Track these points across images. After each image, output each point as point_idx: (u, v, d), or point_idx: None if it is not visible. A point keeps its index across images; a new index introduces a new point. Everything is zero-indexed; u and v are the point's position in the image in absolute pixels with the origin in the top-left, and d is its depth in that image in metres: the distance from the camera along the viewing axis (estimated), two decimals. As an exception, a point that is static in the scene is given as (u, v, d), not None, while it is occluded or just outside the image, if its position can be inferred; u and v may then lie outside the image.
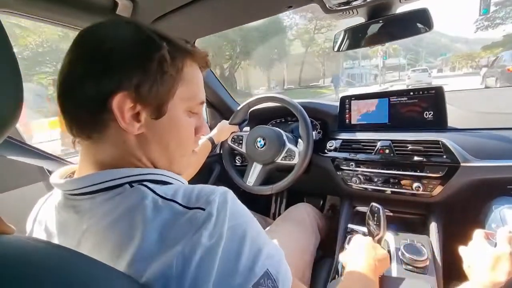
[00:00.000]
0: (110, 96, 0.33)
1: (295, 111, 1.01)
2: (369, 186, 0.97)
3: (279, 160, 1.03)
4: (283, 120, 1.33)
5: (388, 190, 0.93)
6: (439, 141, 0.85)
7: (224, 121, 1.14)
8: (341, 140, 1.06)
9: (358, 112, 1.08)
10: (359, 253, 0.62)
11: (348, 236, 0.90)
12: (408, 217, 0.97)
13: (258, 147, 1.05)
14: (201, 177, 1.26)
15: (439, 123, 0.91)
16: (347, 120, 1.11)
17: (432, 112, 0.92)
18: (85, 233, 0.33)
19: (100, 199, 0.33)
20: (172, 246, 0.28)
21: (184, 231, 0.29)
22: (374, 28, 0.78)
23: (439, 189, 0.84)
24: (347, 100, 1.11)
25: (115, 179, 0.34)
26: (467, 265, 0.56)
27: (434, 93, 0.92)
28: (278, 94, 1.07)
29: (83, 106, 0.34)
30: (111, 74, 0.33)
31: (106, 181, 0.34)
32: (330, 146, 1.07)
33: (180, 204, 0.31)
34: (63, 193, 0.37)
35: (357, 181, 0.99)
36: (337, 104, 1.15)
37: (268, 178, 1.08)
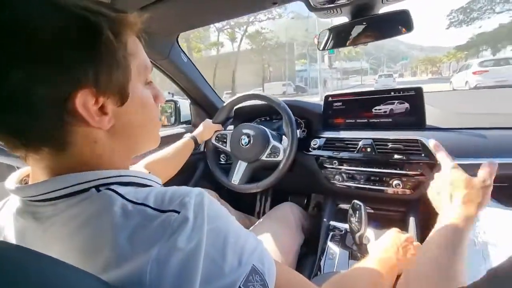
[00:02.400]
0: (69, 97, 0.29)
1: (279, 108, 1.01)
2: (352, 184, 0.99)
3: (264, 158, 1.02)
4: (267, 119, 1.33)
5: (370, 187, 0.95)
6: (417, 140, 0.88)
7: (207, 119, 1.12)
8: (325, 139, 1.07)
9: (341, 111, 1.10)
10: (388, 247, 0.60)
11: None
12: (389, 214, 0.99)
13: (242, 145, 1.04)
14: (185, 175, 1.23)
15: (418, 123, 0.93)
16: (330, 119, 1.12)
17: (411, 112, 0.95)
18: (47, 241, 0.31)
19: (63, 205, 0.31)
20: (144, 252, 0.26)
21: (157, 236, 0.27)
22: (357, 28, 0.78)
23: (417, 186, 0.87)
24: (331, 99, 1.13)
25: (79, 184, 0.31)
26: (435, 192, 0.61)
27: (414, 94, 0.94)
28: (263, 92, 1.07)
29: (35, 115, 0.29)
30: (63, 73, 0.28)
31: (69, 186, 0.31)
32: (314, 145, 1.08)
33: (152, 208, 0.30)
34: (21, 198, 0.34)
35: (340, 179, 1.00)
36: (322, 103, 1.16)
37: (253, 176, 1.07)
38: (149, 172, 0.80)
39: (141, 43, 0.39)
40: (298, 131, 1.01)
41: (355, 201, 0.80)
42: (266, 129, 1.06)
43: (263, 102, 1.07)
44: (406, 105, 0.96)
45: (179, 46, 1.07)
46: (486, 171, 0.55)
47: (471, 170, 0.83)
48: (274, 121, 1.32)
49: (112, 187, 0.32)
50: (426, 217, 0.91)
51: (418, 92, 0.94)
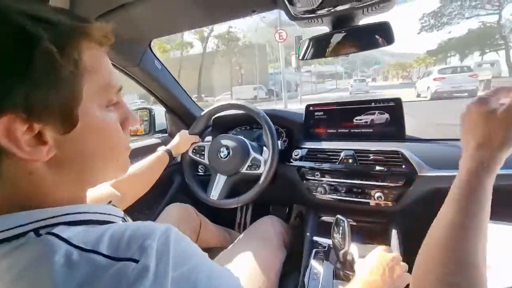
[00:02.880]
0: None
1: (259, 118, 0.98)
2: (334, 196, 0.97)
3: (244, 170, 0.98)
4: (247, 128, 1.29)
5: (352, 199, 0.94)
6: (398, 151, 0.87)
7: (183, 131, 1.06)
8: (306, 149, 1.04)
9: (322, 121, 1.08)
10: (373, 268, 0.58)
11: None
12: (371, 226, 0.98)
13: (221, 157, 0.99)
14: (159, 189, 1.16)
15: (399, 134, 0.94)
16: (312, 129, 1.10)
17: (392, 123, 0.95)
18: None
19: None
20: None
21: None
22: (337, 38, 0.77)
23: (398, 198, 0.86)
24: (312, 108, 1.11)
25: (14, 228, 0.25)
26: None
27: (394, 105, 0.95)
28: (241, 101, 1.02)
29: None
30: None
31: (1, 231, 0.25)
32: (295, 155, 1.05)
33: (104, 255, 0.24)
34: None
35: (322, 191, 0.98)
36: (303, 112, 1.13)
37: (233, 190, 1.02)
38: (116, 191, 0.74)
39: (105, 57, 0.33)
40: (279, 142, 0.98)
41: (339, 216, 0.78)
42: (246, 140, 1.02)
43: (241, 112, 1.03)
44: (386, 115, 0.96)
45: (153, 52, 1.00)
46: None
47: (448, 182, 0.84)
48: (254, 130, 1.28)
49: (56, 229, 0.26)
50: (408, 229, 0.90)
51: (398, 103, 0.94)
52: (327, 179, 0.98)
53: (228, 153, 0.98)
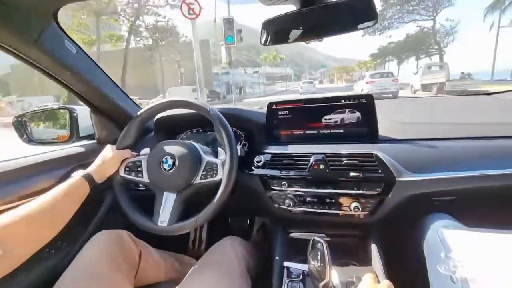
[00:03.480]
0: None
1: (208, 115, 0.78)
2: (304, 209, 0.83)
3: (198, 181, 0.77)
4: (200, 130, 1.08)
5: (325, 211, 0.81)
6: (372, 154, 0.77)
7: (109, 146, 0.80)
8: (270, 155, 0.88)
9: (287, 121, 0.94)
10: None
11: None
12: (347, 241, 0.86)
13: (165, 170, 0.76)
14: (84, 212, 0.88)
15: (371, 134, 0.84)
16: (276, 130, 0.95)
17: (363, 122, 0.85)
18: None
19: None
20: None
21: None
22: (307, 19, 0.62)
23: (376, 208, 0.76)
24: (275, 107, 0.95)
25: None
26: None
27: (365, 102, 0.84)
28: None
29: None
30: None
31: None
32: (258, 162, 0.88)
33: None
34: None
35: (291, 204, 0.83)
36: (264, 111, 0.97)
37: (187, 208, 0.80)
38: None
39: None
40: (238, 147, 0.80)
41: (315, 237, 0.63)
42: (194, 143, 0.81)
43: (190, 111, 0.82)
44: (358, 114, 0.85)
45: (61, 29, 0.72)
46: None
47: (431, 185, 0.78)
48: (208, 132, 1.08)
49: None
50: (389, 242, 0.81)
51: (369, 100, 0.84)
52: (295, 188, 0.83)
53: (174, 163, 0.76)
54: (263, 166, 0.88)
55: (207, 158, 0.79)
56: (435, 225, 0.68)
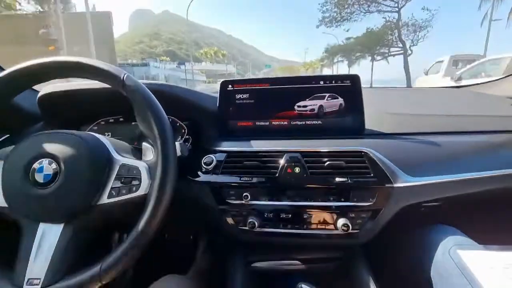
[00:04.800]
0: None
1: (121, 87, 0.47)
2: (274, 230, 0.59)
3: (105, 200, 0.45)
4: (121, 119, 0.75)
5: (304, 232, 0.59)
6: (361, 151, 0.58)
7: None
8: (225, 154, 0.62)
9: (248, 108, 0.68)
10: None
11: None
12: (328, 266, 0.66)
13: (39, 184, 0.43)
14: None
15: (357, 126, 0.65)
16: (232, 120, 0.69)
17: (348, 110, 0.65)
18: None
19: None
20: None
21: None
22: None
23: (369, 224, 0.57)
24: (231, 87, 0.69)
25: None
26: None
27: (349, 84, 0.65)
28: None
29: None
30: None
31: None
32: (207, 164, 0.61)
33: None
34: None
35: (255, 224, 0.58)
36: (217, 95, 0.70)
37: (85, 249, 0.47)
38: None
39: None
40: (178, 143, 0.51)
41: (302, 285, 0.40)
42: (97, 135, 0.49)
43: (96, 86, 0.50)
44: (340, 100, 0.65)
45: None
46: None
47: (435, 191, 0.58)
48: (133, 123, 0.75)
49: None
50: (379, 265, 0.63)
51: (355, 82, 0.65)
52: (261, 202, 0.59)
53: (57, 171, 0.43)
54: (215, 170, 0.61)
55: (122, 159, 0.47)
56: (445, 243, 0.53)
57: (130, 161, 0.48)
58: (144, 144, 0.52)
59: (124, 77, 0.46)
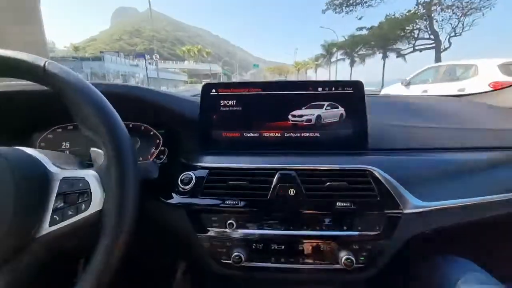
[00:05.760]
0: None
1: (43, 79, 0.36)
2: (264, 264, 0.50)
3: (46, 230, 0.34)
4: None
5: (300, 268, 0.49)
6: (366, 170, 0.50)
7: None
8: (206, 170, 0.52)
9: (235, 116, 0.59)
10: None
11: None
12: None
13: None
14: None
15: (360, 141, 0.57)
16: (216, 130, 0.59)
17: (350, 122, 0.57)
18: None
19: None
20: None
21: None
22: None
23: (375, 256, 0.49)
24: (215, 92, 0.59)
25: None
26: None
27: (352, 92, 0.57)
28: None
29: None
30: None
31: None
32: (184, 184, 0.51)
33: None
34: None
35: (242, 257, 0.48)
36: (198, 100, 0.60)
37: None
38: None
39: None
40: (144, 162, 0.41)
41: None
42: (25, 149, 0.38)
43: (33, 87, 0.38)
44: (341, 110, 0.57)
45: None
46: None
47: (450, 217, 0.50)
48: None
49: None
50: None
51: (358, 88, 0.57)
52: (249, 230, 0.49)
53: None
54: (194, 191, 0.51)
55: (62, 172, 0.36)
56: (463, 281, 0.45)
57: (74, 172, 0.37)
58: (93, 149, 0.41)
59: (46, 65, 0.35)
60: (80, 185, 0.36)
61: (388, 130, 0.61)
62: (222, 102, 0.59)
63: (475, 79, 4.05)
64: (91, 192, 0.35)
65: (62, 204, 0.35)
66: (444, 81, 4.79)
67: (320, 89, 0.57)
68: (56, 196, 0.35)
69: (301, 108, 0.57)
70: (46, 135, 0.62)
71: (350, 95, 0.57)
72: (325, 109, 0.57)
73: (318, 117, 0.57)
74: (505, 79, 3.56)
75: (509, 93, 0.82)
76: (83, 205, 0.35)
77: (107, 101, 0.37)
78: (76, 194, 0.35)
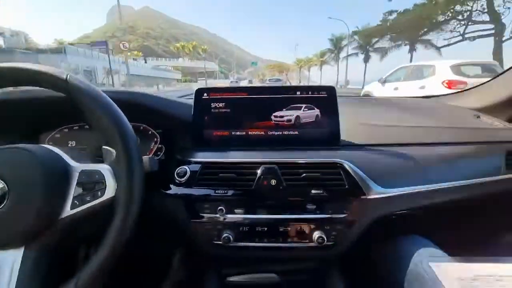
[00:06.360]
0: None
1: (65, 90, 0.43)
2: (249, 244, 0.58)
3: (67, 212, 0.41)
4: (86, 127, 0.70)
5: (280, 246, 0.58)
6: (337, 163, 0.59)
7: None
8: (199, 165, 0.60)
9: (224, 117, 0.67)
10: None
11: None
12: (302, 278, 0.65)
13: None
14: None
15: (333, 137, 0.65)
16: (208, 130, 0.67)
17: (323, 122, 0.65)
18: None
19: None
20: None
21: None
22: None
23: (344, 235, 0.57)
24: (207, 96, 0.67)
25: None
26: None
27: (325, 96, 0.66)
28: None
29: None
30: None
31: None
32: (180, 176, 0.59)
33: None
34: None
35: (230, 238, 0.56)
36: (191, 102, 0.68)
37: (55, 271, 0.42)
38: None
39: None
40: (145, 157, 0.48)
41: None
42: (49, 146, 0.46)
43: (48, 94, 0.45)
44: (316, 111, 0.65)
45: None
46: None
47: (405, 201, 0.59)
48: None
49: None
50: (353, 275, 0.64)
51: (331, 93, 0.66)
52: (237, 216, 0.57)
53: (5, 191, 0.39)
54: (189, 182, 0.58)
55: (81, 166, 0.44)
56: (418, 255, 0.54)
57: (90, 166, 0.45)
58: (104, 147, 0.49)
59: (68, 77, 0.42)
60: (97, 176, 0.43)
61: (358, 128, 0.70)
62: (213, 105, 0.67)
63: (433, 78, 4.67)
64: (105, 182, 0.43)
65: (81, 191, 0.42)
66: (411, 79, 5.34)
67: (298, 93, 0.66)
68: (76, 184, 0.42)
69: (282, 110, 0.66)
70: (53, 134, 0.69)
71: (324, 98, 0.65)
72: (303, 110, 0.65)
73: (297, 117, 0.66)
74: (455, 77, 4.31)
75: (468, 96, 0.92)
76: (99, 192, 0.42)
77: (116, 106, 0.44)
78: (93, 183, 0.43)
